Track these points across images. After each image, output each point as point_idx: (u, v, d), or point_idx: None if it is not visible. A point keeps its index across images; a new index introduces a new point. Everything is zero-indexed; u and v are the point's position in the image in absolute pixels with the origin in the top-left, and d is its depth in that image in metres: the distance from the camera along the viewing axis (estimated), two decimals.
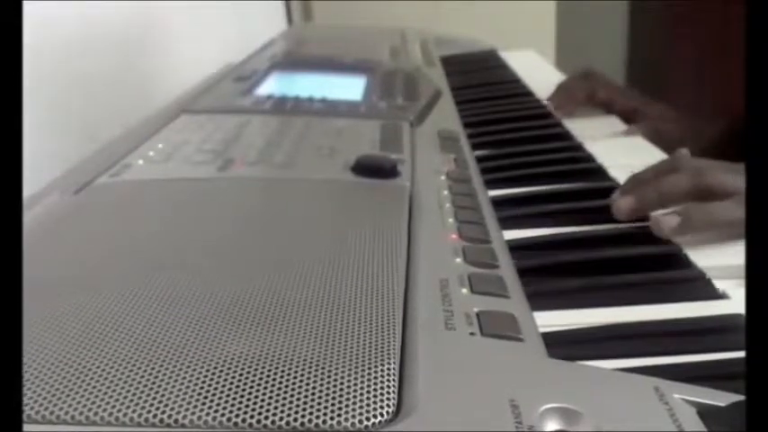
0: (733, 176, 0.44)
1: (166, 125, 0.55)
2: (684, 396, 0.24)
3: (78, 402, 0.22)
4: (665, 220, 0.42)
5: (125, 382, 0.23)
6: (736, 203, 0.41)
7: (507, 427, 0.22)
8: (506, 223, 0.42)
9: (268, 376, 0.23)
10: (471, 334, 0.28)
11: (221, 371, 0.24)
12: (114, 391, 0.23)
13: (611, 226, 0.43)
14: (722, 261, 0.39)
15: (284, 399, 0.22)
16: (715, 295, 0.34)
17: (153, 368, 0.24)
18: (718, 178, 0.44)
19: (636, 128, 0.66)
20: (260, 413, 0.22)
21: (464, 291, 0.31)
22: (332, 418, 0.22)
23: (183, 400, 0.22)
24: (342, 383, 0.23)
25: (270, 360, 0.24)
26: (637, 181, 0.46)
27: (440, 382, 0.24)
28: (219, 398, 0.22)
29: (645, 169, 0.47)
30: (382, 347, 0.25)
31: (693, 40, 1.73)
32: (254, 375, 0.23)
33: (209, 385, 0.23)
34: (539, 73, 0.88)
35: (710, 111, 0.75)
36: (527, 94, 0.78)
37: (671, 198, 0.44)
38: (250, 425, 0.22)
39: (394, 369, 0.24)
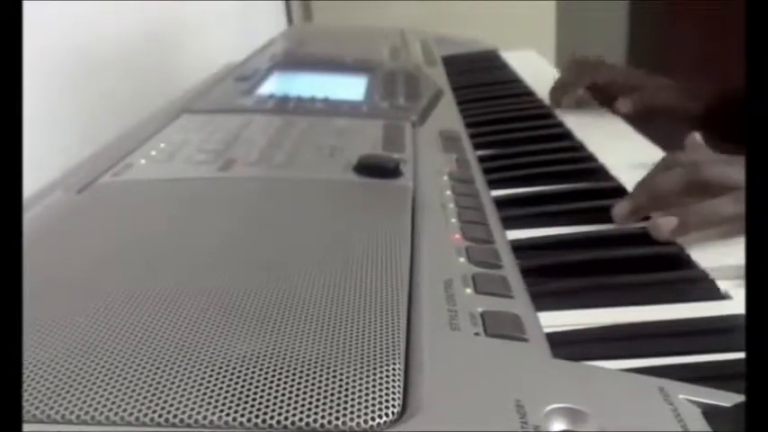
0: (730, 169, 0.42)
1: (168, 125, 0.55)
2: (689, 396, 0.24)
3: (83, 402, 0.22)
4: (663, 222, 0.40)
5: (129, 381, 0.23)
6: (733, 199, 0.40)
7: (513, 427, 0.22)
8: (509, 223, 0.42)
9: (273, 376, 0.23)
10: (476, 334, 0.28)
11: (226, 371, 0.24)
12: (119, 390, 0.23)
13: (614, 226, 0.43)
14: (723, 262, 0.38)
15: (289, 398, 0.22)
16: (719, 296, 0.34)
17: (157, 368, 0.24)
18: (715, 172, 0.42)
19: (629, 100, 0.65)
20: (265, 413, 0.22)
21: (468, 291, 0.31)
22: (337, 418, 0.22)
23: (189, 399, 0.22)
24: (347, 383, 0.23)
25: (275, 360, 0.24)
26: (636, 185, 0.45)
27: (445, 383, 0.24)
28: (225, 397, 0.22)
29: (646, 174, 0.45)
30: (387, 348, 0.25)
31: (694, 41, 1.73)
32: (260, 375, 0.23)
33: (215, 385, 0.23)
34: (539, 73, 0.88)
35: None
36: (528, 93, 0.78)
37: (668, 197, 0.43)
38: (255, 424, 0.22)
39: (399, 369, 0.24)
